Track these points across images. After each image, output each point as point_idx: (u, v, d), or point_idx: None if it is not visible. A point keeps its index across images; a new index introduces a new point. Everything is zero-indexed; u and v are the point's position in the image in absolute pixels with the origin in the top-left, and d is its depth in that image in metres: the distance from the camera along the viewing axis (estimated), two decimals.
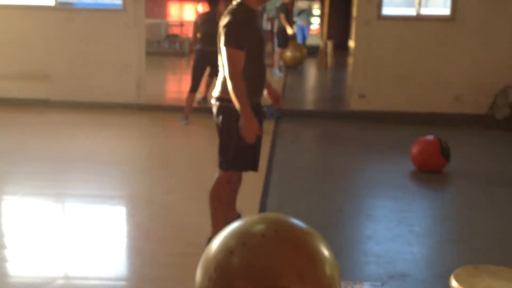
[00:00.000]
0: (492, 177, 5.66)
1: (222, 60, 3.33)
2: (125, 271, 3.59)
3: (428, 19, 8.25)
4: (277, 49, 12.68)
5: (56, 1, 8.34)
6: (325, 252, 2.20)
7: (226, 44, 3.25)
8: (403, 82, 8.11)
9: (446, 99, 8.04)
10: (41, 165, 5.59)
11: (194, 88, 7.62)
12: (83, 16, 8.35)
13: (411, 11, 8.42)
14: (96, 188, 5.02)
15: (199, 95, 8.27)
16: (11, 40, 8.31)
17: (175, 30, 17.45)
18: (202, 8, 17.43)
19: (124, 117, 7.98)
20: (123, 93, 8.35)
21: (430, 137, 5.72)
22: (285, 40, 12.67)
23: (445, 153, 5.59)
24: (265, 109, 3.63)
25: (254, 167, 3.55)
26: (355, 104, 8.30)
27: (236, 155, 3.44)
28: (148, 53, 9.48)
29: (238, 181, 3.70)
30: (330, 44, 14.65)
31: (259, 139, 3.51)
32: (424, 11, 8.32)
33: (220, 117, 3.46)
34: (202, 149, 6.62)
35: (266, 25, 17.33)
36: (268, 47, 13.33)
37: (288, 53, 13.66)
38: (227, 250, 2.24)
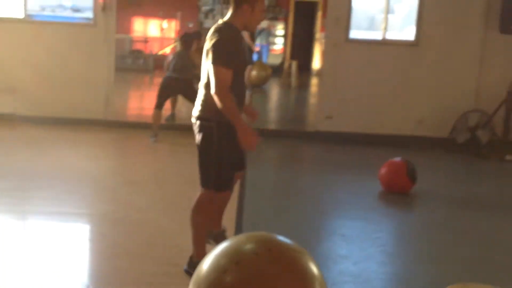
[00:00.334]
0: (455, 198, 5.88)
1: (209, 77, 3.38)
2: None
3: (393, 44, 8.50)
4: None
5: (25, 14, 8.25)
6: (315, 270, 2.27)
7: (214, 62, 3.31)
8: (369, 104, 8.31)
9: (410, 122, 8.28)
10: (6, 182, 5.46)
11: (158, 105, 7.67)
12: (53, 30, 8.26)
13: (378, 35, 8.65)
14: (67, 206, 4.94)
15: (166, 112, 8.30)
16: None
17: (139, 46, 17.39)
18: (167, 25, 17.59)
19: (91, 133, 7.90)
20: (91, 109, 8.27)
21: (397, 159, 5.88)
22: (250, 59, 12.80)
23: (412, 175, 5.76)
24: None
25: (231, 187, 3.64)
26: (321, 124, 8.45)
27: (218, 174, 3.48)
28: None
29: (227, 196, 3.73)
30: (294, 64, 14.86)
31: (241, 158, 3.60)
32: (389, 36, 8.56)
33: (200, 136, 3.51)
34: (171, 167, 6.61)
35: None
36: None
37: (254, 72, 13.77)
38: (220, 269, 2.25)
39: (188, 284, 3.64)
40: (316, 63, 18.07)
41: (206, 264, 2.34)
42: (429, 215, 5.33)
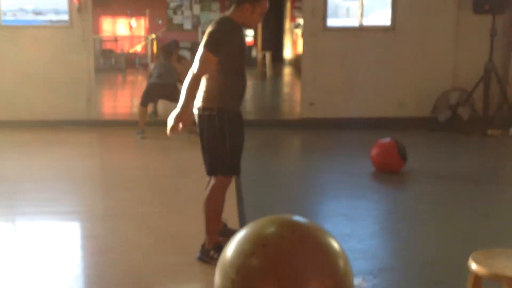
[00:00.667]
0: (444, 173, 6.06)
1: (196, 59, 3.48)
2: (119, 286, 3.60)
3: (370, 30, 8.64)
4: None
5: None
6: (337, 247, 2.35)
7: (204, 46, 3.45)
8: (350, 89, 8.44)
9: (392, 104, 8.43)
10: None
11: (143, 102, 7.79)
12: (29, 34, 8.18)
13: (355, 22, 8.78)
14: (64, 205, 4.94)
15: (149, 108, 8.35)
16: None
17: (109, 45, 17.25)
18: (135, 23, 17.48)
19: (76, 133, 7.85)
20: (73, 109, 8.21)
21: (387, 139, 6.01)
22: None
23: (403, 154, 5.90)
24: None
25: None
26: (305, 112, 8.55)
27: (233, 159, 3.56)
28: None
29: (230, 182, 3.79)
30: (268, 55, 14.94)
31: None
32: (366, 22, 8.69)
33: (206, 126, 3.56)
34: (162, 162, 6.63)
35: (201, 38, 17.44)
36: None
37: None
38: (246, 253, 2.32)
39: (198, 272, 3.72)
40: (288, 52, 18.18)
41: (230, 249, 2.40)
42: (422, 191, 5.49)
